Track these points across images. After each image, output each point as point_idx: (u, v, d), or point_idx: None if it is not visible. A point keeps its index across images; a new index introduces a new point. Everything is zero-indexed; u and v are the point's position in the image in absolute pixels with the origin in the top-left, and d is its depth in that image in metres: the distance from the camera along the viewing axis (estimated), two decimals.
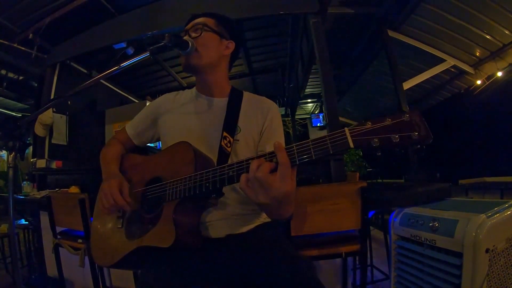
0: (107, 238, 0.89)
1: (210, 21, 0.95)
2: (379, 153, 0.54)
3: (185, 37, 0.89)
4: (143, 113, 1.05)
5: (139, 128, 1.04)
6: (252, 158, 0.62)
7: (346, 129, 0.55)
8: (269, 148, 0.91)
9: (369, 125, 0.54)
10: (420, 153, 0.53)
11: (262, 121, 0.96)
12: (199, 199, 0.76)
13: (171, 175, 0.78)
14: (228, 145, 0.88)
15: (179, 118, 0.97)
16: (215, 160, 0.85)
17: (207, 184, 0.68)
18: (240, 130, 0.92)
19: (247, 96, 1.02)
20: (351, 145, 0.53)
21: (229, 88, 1.02)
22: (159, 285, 0.74)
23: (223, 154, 0.87)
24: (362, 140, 0.53)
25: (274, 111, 0.99)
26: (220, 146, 0.87)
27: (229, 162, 0.85)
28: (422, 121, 0.52)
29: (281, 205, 0.61)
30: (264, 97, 1.03)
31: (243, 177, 0.60)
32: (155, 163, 0.89)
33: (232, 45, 0.99)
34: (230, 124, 0.92)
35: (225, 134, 0.89)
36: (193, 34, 0.91)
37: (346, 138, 0.54)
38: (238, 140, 0.91)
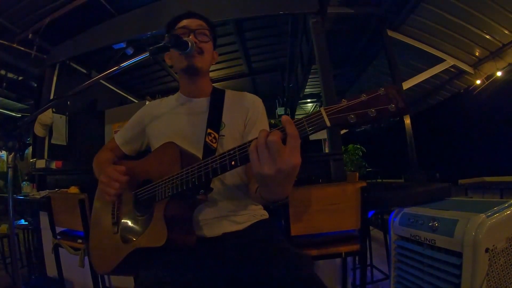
0: (104, 245, 0.89)
1: (207, 27, 0.99)
2: (358, 129, 0.55)
3: (190, 37, 0.90)
4: (131, 122, 1.07)
5: (127, 137, 1.06)
6: (234, 149, 0.63)
7: (321, 109, 0.55)
8: (251, 137, 0.91)
9: (344, 102, 0.54)
10: (393, 120, 0.54)
11: (246, 114, 0.98)
12: (188, 195, 0.77)
13: (159, 176, 0.78)
14: (213, 141, 0.89)
15: (165, 122, 0.99)
16: (200, 156, 0.85)
17: (193, 179, 0.69)
18: (224, 126, 0.94)
19: (229, 93, 1.05)
20: (328, 123, 0.54)
21: (210, 88, 1.05)
22: (157, 286, 0.74)
23: (209, 150, 0.88)
24: (339, 117, 0.54)
25: (257, 103, 1.01)
26: (205, 142, 0.88)
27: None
28: (399, 94, 0.53)
29: (285, 179, 0.57)
30: (246, 92, 1.06)
31: (252, 143, 0.57)
32: (144, 166, 0.90)
33: (217, 56, 1.06)
34: (214, 121, 0.93)
35: (209, 130, 0.90)
36: (202, 38, 0.94)
37: (323, 117, 0.54)
38: (224, 136, 0.93)
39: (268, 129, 0.97)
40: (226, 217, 0.88)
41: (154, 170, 0.84)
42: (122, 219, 0.87)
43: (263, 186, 0.63)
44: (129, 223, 0.85)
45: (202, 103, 1.00)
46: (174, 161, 0.77)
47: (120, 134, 1.08)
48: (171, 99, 1.06)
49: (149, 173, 0.85)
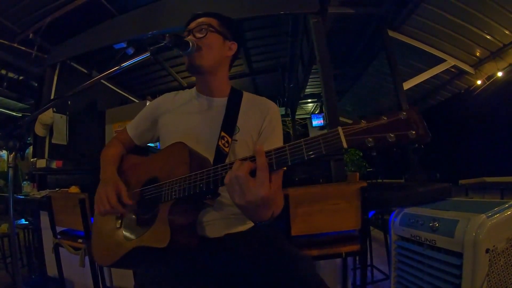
0: (107, 237, 0.89)
1: (214, 22, 0.95)
2: (374, 153, 0.52)
3: (189, 37, 0.89)
4: (143, 113, 1.05)
5: (140, 129, 1.04)
6: (245, 159, 0.62)
7: (339, 128, 0.53)
8: (265, 148, 0.91)
9: (363, 124, 0.52)
10: (419, 152, 0.52)
11: (261, 121, 0.95)
12: (194, 199, 0.76)
13: (167, 176, 0.78)
14: (226, 145, 0.87)
15: (178, 118, 0.97)
16: (211, 160, 0.84)
17: (201, 185, 0.68)
18: (239, 130, 0.92)
19: (246, 96, 1.01)
20: (345, 145, 0.52)
21: (229, 88, 1.01)
22: (157, 286, 0.74)
23: (221, 154, 0.86)
24: (356, 139, 0.52)
25: (273, 111, 0.98)
26: (218, 146, 0.87)
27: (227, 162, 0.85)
28: (420, 119, 0.50)
29: (258, 209, 0.60)
30: (264, 98, 1.03)
31: (227, 174, 0.61)
32: (152, 164, 0.89)
33: (234, 47, 0.99)
34: (229, 124, 0.91)
35: (223, 134, 0.88)
36: (198, 34, 0.90)
37: (340, 138, 0.52)
38: (236, 141, 0.90)
39: (281, 139, 0.96)
40: (229, 219, 0.88)
41: (162, 169, 0.83)
42: (125, 215, 0.87)
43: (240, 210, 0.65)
44: (133, 220, 0.85)
45: (218, 104, 0.97)
46: (182, 162, 0.76)
47: (132, 125, 1.05)
48: (187, 94, 1.03)
49: (156, 172, 0.84)
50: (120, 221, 0.87)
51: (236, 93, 1.00)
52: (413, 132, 0.49)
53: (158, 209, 0.77)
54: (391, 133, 0.50)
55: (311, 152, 0.54)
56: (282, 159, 0.57)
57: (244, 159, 0.61)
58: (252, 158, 0.59)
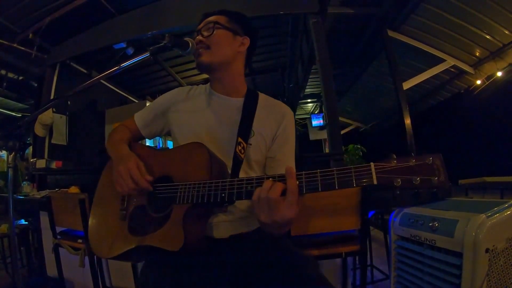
0: (108, 229, 0.86)
1: (222, 19, 0.93)
2: (398, 192, 0.55)
3: (198, 37, 0.89)
4: (154, 104, 1.02)
5: (148, 119, 1.00)
6: (274, 177, 0.63)
7: (372, 164, 0.56)
8: (279, 157, 0.92)
9: (394, 163, 0.55)
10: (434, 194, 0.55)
11: (276, 127, 0.93)
12: (210, 206, 0.75)
13: (183, 177, 0.76)
14: (242, 151, 0.86)
15: (192, 116, 0.93)
16: (229, 166, 0.83)
17: (223, 195, 0.67)
18: (253, 134, 0.90)
19: (262, 98, 0.98)
20: (375, 181, 0.55)
21: (245, 89, 0.98)
22: (160, 286, 0.74)
23: (237, 161, 0.85)
24: (386, 178, 0.55)
25: (289, 117, 0.97)
26: (235, 152, 0.85)
27: (242, 167, 0.85)
28: (443, 166, 0.54)
29: (280, 227, 0.62)
30: (280, 101, 1.01)
31: (256, 192, 0.62)
32: (166, 160, 0.85)
33: (247, 41, 0.97)
34: (245, 129, 0.89)
35: (239, 139, 0.86)
36: (205, 33, 0.89)
37: (371, 174, 0.55)
38: (251, 144, 0.89)
39: (294, 149, 0.96)
40: (236, 221, 0.87)
41: (177, 168, 0.80)
42: (132, 209, 0.84)
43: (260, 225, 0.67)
44: (141, 216, 0.82)
45: (234, 104, 0.94)
46: (202, 166, 0.74)
47: (140, 115, 1.01)
48: (201, 90, 1.00)
49: (170, 169, 0.82)
50: (125, 214, 0.84)
51: (252, 94, 0.98)
52: (436, 178, 0.53)
53: (170, 210, 0.75)
54: (417, 176, 0.54)
55: (341, 183, 0.57)
56: (313, 184, 0.59)
57: (273, 178, 0.62)
58: (281, 178, 0.61)
